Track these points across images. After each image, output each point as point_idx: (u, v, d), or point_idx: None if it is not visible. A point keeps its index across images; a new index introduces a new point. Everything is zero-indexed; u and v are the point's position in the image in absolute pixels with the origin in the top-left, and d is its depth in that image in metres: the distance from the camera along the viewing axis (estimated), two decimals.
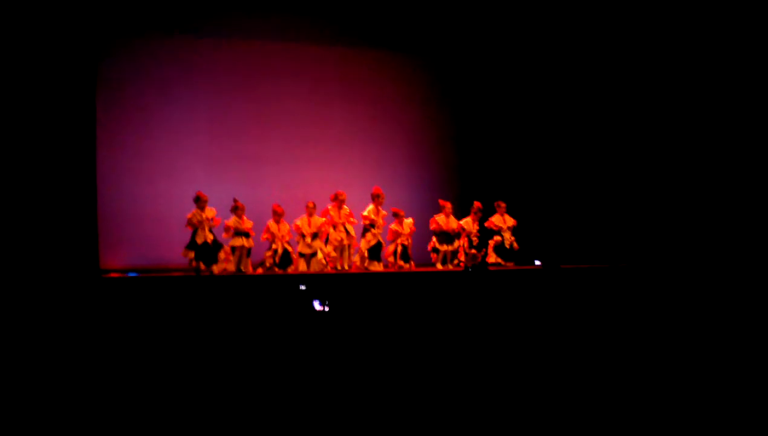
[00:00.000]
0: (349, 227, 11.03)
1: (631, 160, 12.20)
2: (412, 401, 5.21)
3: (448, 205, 11.58)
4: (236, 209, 10.46)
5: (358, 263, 11.11)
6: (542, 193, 12.91)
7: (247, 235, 10.49)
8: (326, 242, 10.95)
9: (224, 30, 12.33)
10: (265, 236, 10.73)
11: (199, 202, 10.26)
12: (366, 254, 11.03)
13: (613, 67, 12.35)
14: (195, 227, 10.20)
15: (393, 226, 11.31)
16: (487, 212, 11.86)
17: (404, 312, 8.65)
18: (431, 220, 11.52)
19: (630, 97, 12.18)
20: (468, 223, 11.61)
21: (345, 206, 11.03)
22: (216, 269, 10.18)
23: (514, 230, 11.85)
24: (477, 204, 11.67)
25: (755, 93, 10.73)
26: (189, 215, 10.24)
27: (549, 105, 13.06)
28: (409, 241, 11.34)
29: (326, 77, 12.93)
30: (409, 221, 11.36)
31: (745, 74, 10.83)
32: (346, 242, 10.99)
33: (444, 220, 11.50)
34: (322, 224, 10.88)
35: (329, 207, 10.99)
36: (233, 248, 10.42)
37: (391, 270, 11.03)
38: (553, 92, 13.02)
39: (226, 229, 10.41)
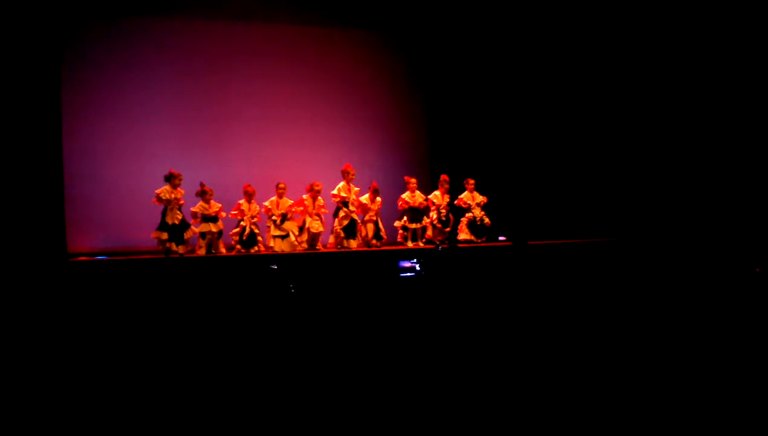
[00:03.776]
0: (321, 218, 11.02)
1: (599, 136, 12.27)
2: (387, 382, 5.21)
3: (413, 181, 11.54)
4: (203, 194, 10.33)
5: (333, 243, 11.09)
6: (513, 171, 12.95)
7: (215, 219, 10.38)
8: (300, 231, 10.90)
9: (192, 10, 12.19)
10: (234, 212, 10.66)
11: (172, 180, 10.12)
12: (342, 234, 10.98)
13: (582, 43, 12.38)
14: (164, 204, 10.07)
15: (364, 198, 11.25)
16: (457, 190, 11.87)
17: (378, 290, 8.66)
18: (398, 200, 11.50)
19: (599, 71, 12.23)
20: (437, 196, 11.60)
21: (320, 198, 10.99)
22: (183, 249, 10.08)
23: (484, 206, 11.86)
24: (444, 177, 11.66)
25: (721, 65, 10.84)
26: (158, 191, 10.07)
27: (519, 82, 13.06)
28: (378, 218, 11.30)
29: (295, 57, 12.82)
30: (378, 199, 11.33)
31: (714, 49, 10.91)
32: (318, 230, 10.95)
33: (410, 196, 11.47)
34: (291, 206, 10.81)
35: (304, 197, 10.93)
36: (203, 235, 10.30)
37: (367, 249, 11.02)
38: (523, 69, 13.02)
39: (194, 215, 10.29)
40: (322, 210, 11.04)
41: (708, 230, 10.51)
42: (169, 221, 10.02)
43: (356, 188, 11.14)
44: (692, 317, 6.99)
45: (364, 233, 11.21)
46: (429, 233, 11.54)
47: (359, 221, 11.12)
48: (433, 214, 11.49)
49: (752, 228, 10.06)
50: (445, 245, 11.22)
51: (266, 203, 10.75)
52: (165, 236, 9.98)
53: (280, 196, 10.78)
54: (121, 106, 11.70)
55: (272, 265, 9.16)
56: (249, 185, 10.77)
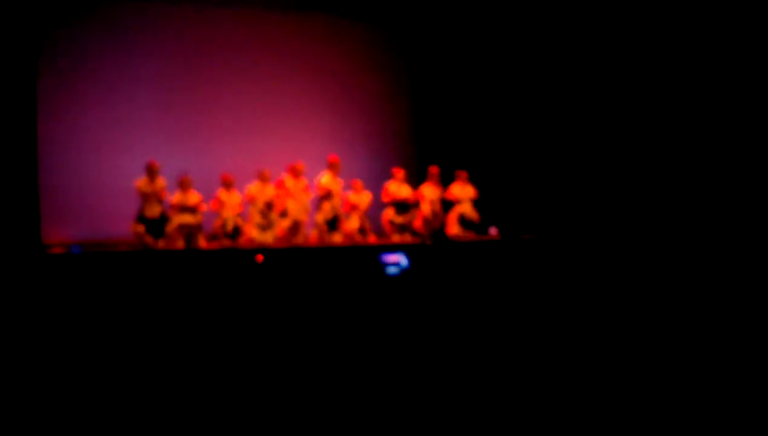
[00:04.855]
0: (305, 201, 10.68)
1: (589, 131, 12.15)
2: (377, 382, 5.07)
3: (401, 173, 11.30)
4: (181, 184, 10.04)
5: (316, 236, 10.80)
6: (502, 163, 12.80)
7: (193, 210, 10.07)
8: (282, 215, 10.60)
9: None
10: (215, 205, 10.34)
11: (151, 172, 9.86)
12: (325, 228, 10.68)
13: (571, 37, 12.25)
14: (143, 197, 9.81)
15: (351, 196, 10.99)
16: (446, 182, 11.67)
17: (365, 285, 8.53)
18: (383, 191, 11.22)
19: (588, 65, 12.10)
20: (429, 190, 11.37)
21: (302, 179, 10.70)
22: (162, 243, 9.80)
23: (474, 201, 11.64)
24: (433, 169, 11.45)
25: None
26: (138, 183, 9.85)
27: (508, 73, 12.90)
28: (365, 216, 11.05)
29: (279, 46, 12.65)
30: (367, 194, 11.05)
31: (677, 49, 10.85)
32: (301, 217, 10.63)
33: (396, 188, 11.19)
34: (276, 194, 10.51)
35: (284, 178, 10.63)
36: (181, 227, 9.99)
37: (352, 243, 10.76)
38: (512, 60, 12.87)
39: (172, 207, 10.02)
40: (306, 192, 10.69)
41: (707, 227, 10.44)
42: (147, 214, 9.81)
43: (341, 181, 10.88)
44: (689, 314, 6.91)
45: (354, 226, 10.93)
46: (418, 224, 11.24)
47: (343, 216, 10.84)
48: (426, 209, 11.24)
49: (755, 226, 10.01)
50: (428, 242, 11.03)
51: (251, 188, 10.41)
52: (142, 228, 9.73)
53: (264, 183, 10.46)
54: (101, 95, 11.44)
55: (258, 254, 8.93)
56: (227, 174, 10.45)
